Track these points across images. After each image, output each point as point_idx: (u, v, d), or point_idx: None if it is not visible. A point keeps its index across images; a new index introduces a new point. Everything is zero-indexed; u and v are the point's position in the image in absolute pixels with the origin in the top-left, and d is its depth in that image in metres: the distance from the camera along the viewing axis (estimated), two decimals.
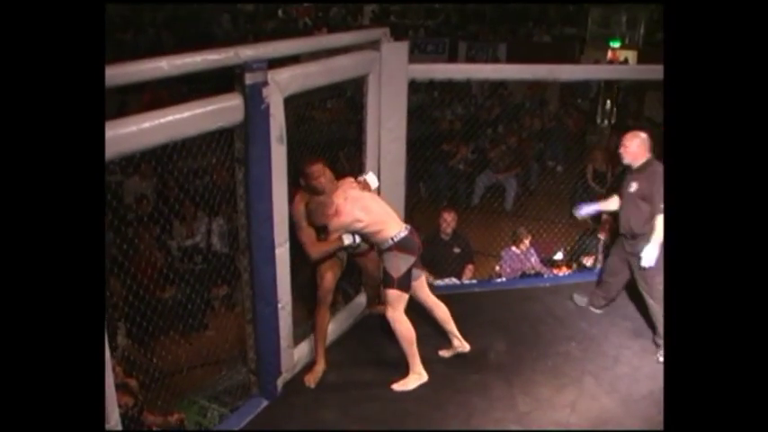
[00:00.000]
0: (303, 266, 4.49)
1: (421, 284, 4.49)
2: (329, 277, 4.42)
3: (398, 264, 4.18)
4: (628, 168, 4.76)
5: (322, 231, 4.26)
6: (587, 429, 4.01)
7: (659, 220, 4.44)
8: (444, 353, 4.65)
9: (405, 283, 4.22)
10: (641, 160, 4.65)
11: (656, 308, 4.64)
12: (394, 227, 4.21)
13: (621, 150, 4.70)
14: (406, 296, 4.26)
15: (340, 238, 4.22)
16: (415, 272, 4.34)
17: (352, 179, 4.46)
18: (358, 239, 4.26)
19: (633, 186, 4.66)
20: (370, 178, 4.49)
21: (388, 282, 4.22)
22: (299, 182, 4.25)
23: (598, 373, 4.53)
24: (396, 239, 4.17)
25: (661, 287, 4.33)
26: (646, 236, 4.56)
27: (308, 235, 4.24)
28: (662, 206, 4.37)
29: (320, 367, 4.47)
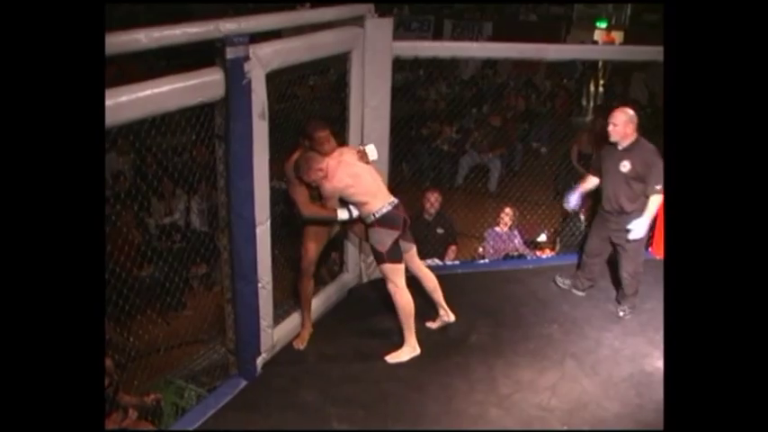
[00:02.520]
0: (294, 240, 4.50)
1: (411, 256, 4.54)
2: (312, 249, 4.47)
3: (382, 238, 4.22)
4: (613, 145, 4.79)
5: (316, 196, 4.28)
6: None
7: (655, 200, 4.63)
8: (431, 324, 4.76)
9: (395, 255, 4.28)
10: (630, 139, 4.72)
11: (631, 282, 4.98)
12: (379, 201, 4.22)
13: (610, 129, 4.72)
14: (400, 267, 4.32)
15: (335, 210, 4.24)
16: (405, 244, 4.41)
17: (351, 147, 4.50)
18: (355, 213, 4.27)
19: (625, 166, 4.71)
20: (370, 149, 4.45)
21: (378, 257, 4.29)
22: (302, 143, 4.29)
23: (580, 356, 4.57)
24: (377, 215, 4.20)
25: (641, 260, 4.93)
26: (636, 213, 4.72)
27: (300, 193, 4.25)
28: (658, 187, 4.57)
29: (306, 332, 4.61)
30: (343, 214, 4.26)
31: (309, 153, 4.19)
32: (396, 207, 4.26)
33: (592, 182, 5.07)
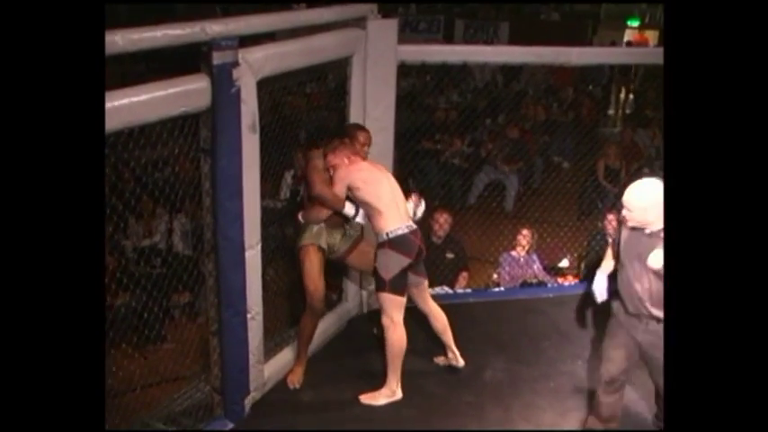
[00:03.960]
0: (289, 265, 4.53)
1: (421, 291, 4.56)
2: (321, 286, 4.50)
3: (389, 263, 4.23)
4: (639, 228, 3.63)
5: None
6: None
7: None
8: (438, 360, 4.78)
9: (398, 286, 4.27)
10: (660, 225, 3.50)
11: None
12: (394, 221, 4.26)
13: (625, 214, 3.59)
14: (401, 300, 4.31)
15: (343, 203, 4.33)
16: (415, 278, 4.44)
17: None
18: (360, 218, 4.35)
19: (658, 259, 3.43)
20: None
21: (379, 284, 4.29)
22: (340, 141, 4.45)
23: None
24: (390, 236, 4.23)
25: None
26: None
27: (318, 172, 4.37)
28: None
29: (301, 368, 4.62)
30: (350, 209, 4.34)
31: (347, 140, 4.40)
32: (413, 232, 4.30)
33: (613, 262, 3.95)
